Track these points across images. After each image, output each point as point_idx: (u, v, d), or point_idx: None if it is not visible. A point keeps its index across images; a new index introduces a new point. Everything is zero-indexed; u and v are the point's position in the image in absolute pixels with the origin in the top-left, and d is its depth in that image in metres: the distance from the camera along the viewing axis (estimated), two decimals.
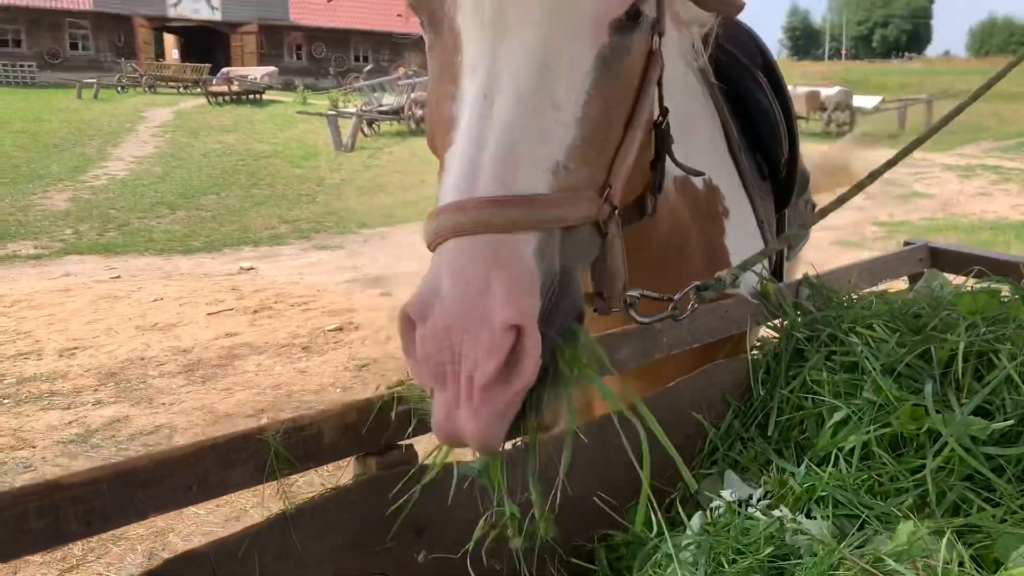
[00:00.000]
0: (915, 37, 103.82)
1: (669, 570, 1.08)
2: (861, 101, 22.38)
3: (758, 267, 1.99)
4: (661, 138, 1.33)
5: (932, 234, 10.02)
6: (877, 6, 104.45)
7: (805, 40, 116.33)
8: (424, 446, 1.21)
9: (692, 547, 1.11)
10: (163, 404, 5.01)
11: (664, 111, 1.32)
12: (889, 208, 11.82)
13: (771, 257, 2.11)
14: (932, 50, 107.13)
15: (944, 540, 0.97)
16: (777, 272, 2.28)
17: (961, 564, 0.96)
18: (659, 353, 1.61)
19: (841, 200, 1.91)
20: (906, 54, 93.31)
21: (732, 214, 1.90)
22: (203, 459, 1.02)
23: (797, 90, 21.62)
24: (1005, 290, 1.68)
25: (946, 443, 1.29)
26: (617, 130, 1.14)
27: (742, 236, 1.93)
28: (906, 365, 1.51)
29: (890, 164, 1.89)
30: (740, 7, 1.45)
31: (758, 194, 2.04)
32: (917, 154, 16.32)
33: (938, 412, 1.36)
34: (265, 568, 1.03)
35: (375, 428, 1.19)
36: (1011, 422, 1.28)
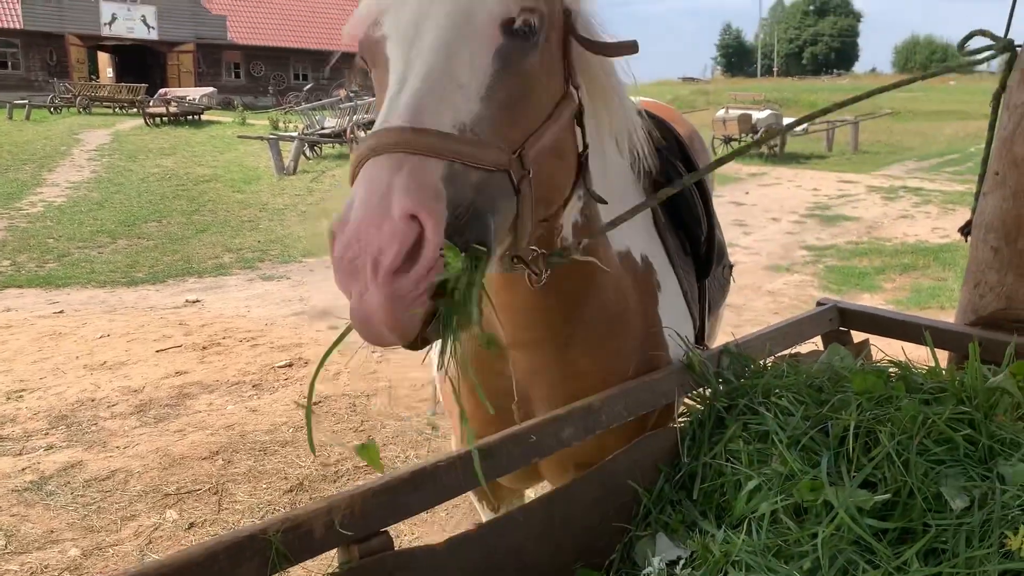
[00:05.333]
0: (843, 55, 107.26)
1: None
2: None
3: (688, 335, 2.26)
4: (582, 167, 1.63)
5: (857, 258, 10.55)
6: (807, 25, 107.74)
7: (738, 58, 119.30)
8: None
9: None
10: (117, 447, 5.07)
11: (586, 146, 1.62)
12: (816, 232, 12.35)
13: (695, 320, 2.36)
14: (860, 67, 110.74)
15: None
16: (701, 330, 2.53)
17: None
18: (599, 429, 1.84)
19: (734, 153, 2.33)
20: (835, 71, 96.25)
21: (663, 287, 2.15)
22: (217, 560, 1.21)
23: (730, 113, 22.30)
24: (893, 369, 1.96)
25: (837, 513, 1.54)
26: (528, 120, 1.37)
27: (671, 306, 2.19)
28: (809, 438, 1.77)
29: (789, 127, 2.48)
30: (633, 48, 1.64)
31: (682, 267, 2.30)
32: (844, 175, 16.90)
33: (832, 484, 1.61)
34: None
35: (357, 519, 1.39)
36: (888, 495, 1.54)
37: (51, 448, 5.08)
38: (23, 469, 4.78)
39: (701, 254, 2.41)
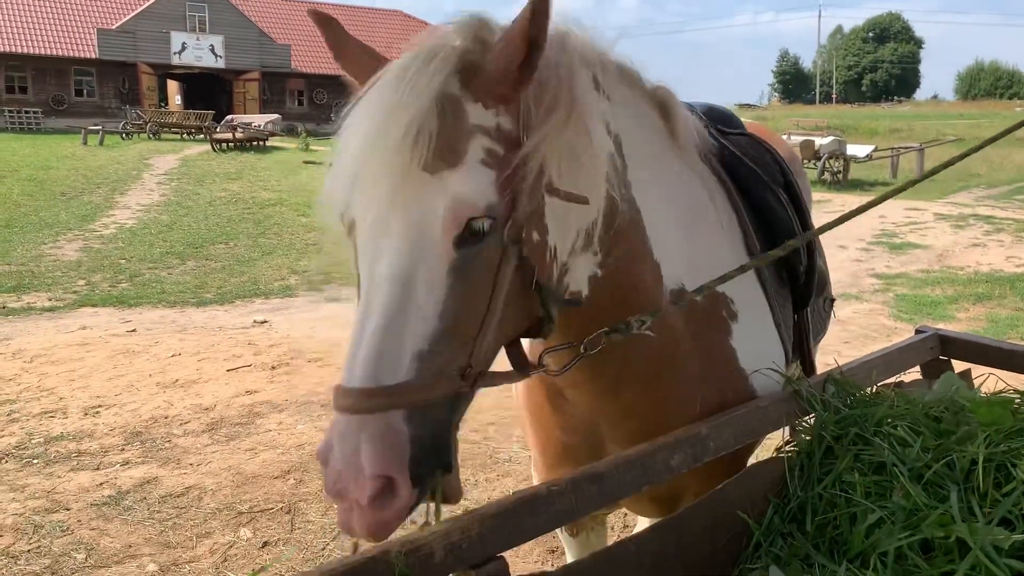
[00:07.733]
0: (903, 81, 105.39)
1: None
2: (854, 150, 22.79)
3: (779, 364, 2.17)
4: (545, 297, 1.53)
5: (928, 287, 10.26)
6: (867, 52, 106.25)
7: (795, 84, 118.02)
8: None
9: None
10: (190, 464, 5.14)
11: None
12: (885, 260, 12.05)
13: (787, 350, 2.26)
14: (920, 94, 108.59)
15: None
16: (806, 360, 2.45)
17: None
18: (707, 457, 1.79)
19: (845, 217, 2.07)
20: (895, 98, 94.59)
21: (742, 315, 2.04)
22: None
23: (792, 139, 22.03)
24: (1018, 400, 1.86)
25: (972, 551, 1.46)
26: (475, 320, 1.38)
27: (756, 337, 2.08)
28: (932, 471, 1.69)
29: (904, 187, 2.13)
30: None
31: (777, 299, 2.20)
32: (911, 203, 16.41)
33: (963, 520, 1.53)
34: None
35: (475, 543, 1.36)
36: None
37: (127, 464, 5.16)
38: (100, 484, 4.87)
39: (800, 284, 2.32)
